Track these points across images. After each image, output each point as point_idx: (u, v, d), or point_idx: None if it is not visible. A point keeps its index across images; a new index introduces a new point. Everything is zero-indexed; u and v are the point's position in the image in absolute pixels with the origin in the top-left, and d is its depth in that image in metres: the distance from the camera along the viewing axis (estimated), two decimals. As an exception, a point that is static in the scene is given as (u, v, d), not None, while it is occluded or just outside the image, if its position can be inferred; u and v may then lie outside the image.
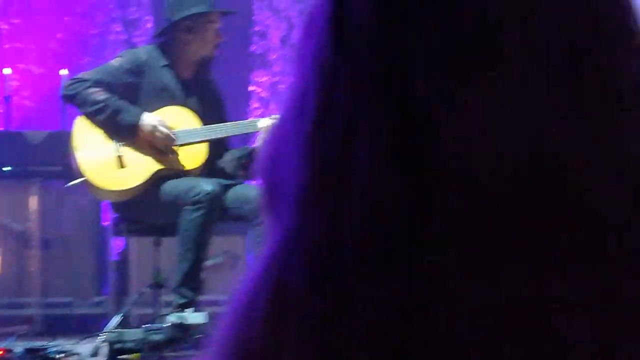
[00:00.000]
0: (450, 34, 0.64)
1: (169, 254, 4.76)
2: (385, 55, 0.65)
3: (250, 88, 7.20)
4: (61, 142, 4.92)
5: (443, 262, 0.61)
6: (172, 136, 4.68)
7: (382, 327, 0.61)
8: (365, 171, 0.63)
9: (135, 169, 4.69)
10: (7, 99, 6.26)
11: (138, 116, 4.64)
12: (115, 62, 4.82)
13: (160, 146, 4.68)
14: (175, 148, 4.71)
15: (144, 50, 4.94)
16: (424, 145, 0.63)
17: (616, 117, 0.65)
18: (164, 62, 4.78)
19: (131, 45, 6.65)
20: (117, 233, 5.23)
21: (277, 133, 0.70)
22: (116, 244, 5.83)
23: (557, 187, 0.62)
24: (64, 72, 6.07)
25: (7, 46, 6.88)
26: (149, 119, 4.65)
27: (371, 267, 0.62)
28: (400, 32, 0.64)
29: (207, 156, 4.73)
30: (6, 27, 6.91)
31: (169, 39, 4.80)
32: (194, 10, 4.67)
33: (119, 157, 4.69)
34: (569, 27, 0.65)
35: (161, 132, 4.65)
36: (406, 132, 0.63)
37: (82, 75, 4.78)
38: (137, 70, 4.74)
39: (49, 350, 4.38)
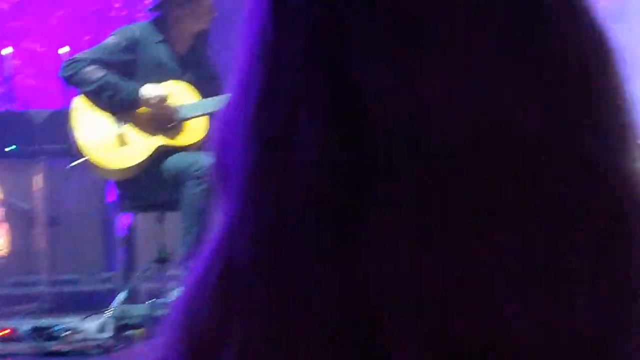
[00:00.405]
0: (391, 5, 0.64)
1: (175, 229, 4.78)
2: (324, 31, 0.65)
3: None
4: (64, 121, 4.94)
5: (386, 235, 0.62)
6: (178, 109, 4.69)
7: (325, 303, 0.62)
8: (308, 147, 0.64)
9: (137, 146, 4.69)
10: (7, 79, 6.26)
11: (136, 91, 4.63)
12: (110, 40, 4.81)
13: (164, 120, 4.69)
14: (178, 122, 4.72)
15: (138, 27, 4.93)
16: (368, 116, 0.63)
17: (562, 86, 0.65)
18: (158, 37, 4.77)
19: (132, 21, 6.65)
20: (123, 209, 5.24)
21: (226, 115, 0.70)
22: (123, 220, 5.86)
23: (506, 156, 0.63)
24: (64, 49, 6.07)
25: (8, 25, 6.88)
26: (154, 89, 4.65)
27: (315, 244, 0.63)
28: (338, 9, 0.65)
29: (206, 130, 4.74)
30: (7, 6, 6.91)
31: (163, 14, 4.79)
32: None
33: (120, 135, 4.70)
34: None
35: (167, 105, 4.66)
36: (349, 105, 0.64)
37: (78, 55, 4.78)
38: (132, 47, 4.74)
39: (55, 328, 4.40)
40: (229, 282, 0.65)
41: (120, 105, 4.65)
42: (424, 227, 0.62)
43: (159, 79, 4.75)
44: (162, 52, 4.79)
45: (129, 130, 4.71)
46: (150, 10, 4.99)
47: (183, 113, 4.71)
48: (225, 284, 0.65)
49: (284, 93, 0.66)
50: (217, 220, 0.69)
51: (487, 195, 0.63)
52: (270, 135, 0.66)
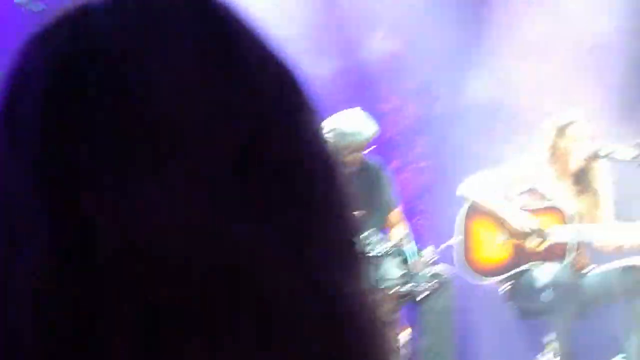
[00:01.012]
0: (114, 135, 0.64)
1: None
2: (50, 156, 0.65)
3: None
4: None
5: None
6: None
7: None
8: (28, 276, 0.63)
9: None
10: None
11: None
12: None
13: None
14: None
15: None
16: (88, 246, 0.63)
17: (282, 197, 0.66)
18: None
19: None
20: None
21: None
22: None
23: (224, 274, 0.63)
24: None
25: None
26: None
27: None
28: (63, 135, 0.65)
29: None
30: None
31: None
32: None
33: None
34: (236, 122, 0.66)
35: None
36: (71, 234, 0.63)
37: None
38: None
39: None
40: None
41: None
42: (147, 348, 0.62)
43: None
44: None
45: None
46: None
47: None
48: None
49: (7, 215, 0.65)
50: None
51: (203, 312, 0.63)
52: None
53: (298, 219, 0.66)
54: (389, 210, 5.41)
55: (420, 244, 7.22)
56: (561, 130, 5.44)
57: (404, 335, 5.80)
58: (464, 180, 5.51)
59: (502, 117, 7.79)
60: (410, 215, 7.84)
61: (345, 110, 5.13)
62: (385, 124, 8.34)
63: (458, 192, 5.49)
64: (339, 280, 0.66)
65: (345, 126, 5.08)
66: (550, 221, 5.35)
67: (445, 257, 6.01)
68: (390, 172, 5.56)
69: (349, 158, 5.09)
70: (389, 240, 5.23)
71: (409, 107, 8.33)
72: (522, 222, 5.29)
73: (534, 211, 5.40)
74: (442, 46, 7.85)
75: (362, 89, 7.92)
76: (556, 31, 7.62)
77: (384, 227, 5.39)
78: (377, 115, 8.20)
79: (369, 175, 5.32)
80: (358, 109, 5.16)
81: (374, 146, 6.05)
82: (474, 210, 5.46)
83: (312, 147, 0.69)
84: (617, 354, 4.94)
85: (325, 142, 0.70)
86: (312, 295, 0.64)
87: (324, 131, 0.70)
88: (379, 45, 8.31)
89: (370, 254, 4.74)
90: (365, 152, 5.49)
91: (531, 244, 5.31)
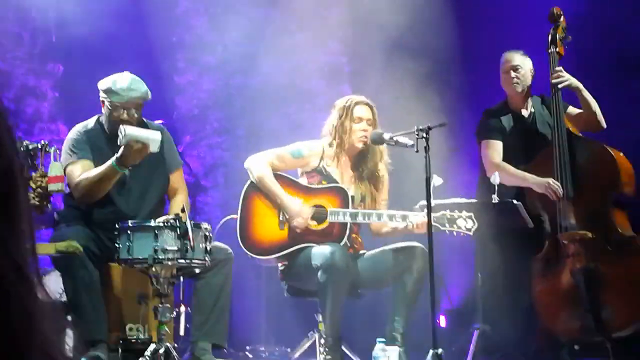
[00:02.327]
0: None
1: None
2: None
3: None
4: None
5: None
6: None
7: None
8: None
9: None
10: None
11: None
12: None
13: None
14: None
15: None
16: None
17: None
18: None
19: None
20: None
21: None
22: None
23: None
24: None
25: None
26: None
27: None
28: None
29: None
30: None
31: None
32: None
33: None
34: None
35: None
36: None
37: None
38: None
39: None
40: None
41: None
42: None
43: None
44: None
45: None
46: None
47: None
48: None
49: None
50: None
51: None
52: None
53: None
54: (174, 169, 5.36)
55: (206, 218, 7.23)
56: (346, 112, 5.53)
57: (181, 311, 5.76)
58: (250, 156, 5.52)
59: (295, 97, 7.87)
60: (200, 189, 7.82)
61: (115, 74, 5.15)
62: (180, 99, 8.30)
63: (245, 165, 5.50)
64: None
65: (115, 86, 5.13)
66: (330, 201, 5.42)
67: (225, 232, 6.01)
68: (173, 139, 5.51)
69: (125, 116, 5.12)
70: (170, 212, 5.19)
71: (204, 82, 8.29)
72: (296, 208, 5.35)
73: (316, 191, 5.46)
74: (239, 24, 7.85)
75: (157, 62, 7.82)
76: (353, 19, 7.74)
77: (166, 190, 5.34)
78: (172, 90, 8.16)
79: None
80: (126, 72, 5.17)
81: (162, 120, 5.99)
82: (255, 188, 5.47)
83: None
84: (382, 336, 5.05)
85: None
86: None
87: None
88: (181, 18, 8.22)
89: (150, 224, 4.69)
90: (155, 122, 5.47)
91: (308, 224, 5.37)
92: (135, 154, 4.84)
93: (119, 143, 4.84)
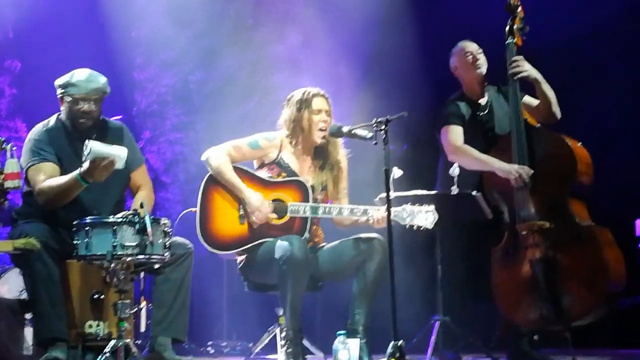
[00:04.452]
0: None
1: None
2: None
3: None
4: None
5: None
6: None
7: None
8: None
9: None
10: None
11: None
12: None
13: None
14: None
15: None
16: None
17: None
18: None
19: None
20: None
21: None
22: None
23: None
24: None
25: None
26: None
27: None
28: None
29: None
30: None
31: None
32: None
33: None
34: None
35: None
36: None
37: None
38: None
39: None
40: None
41: None
42: None
43: None
44: None
45: None
46: None
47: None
48: None
49: None
50: None
51: None
52: None
53: None
54: (137, 166, 5.35)
55: (166, 214, 7.20)
56: (305, 104, 5.53)
57: (141, 306, 5.74)
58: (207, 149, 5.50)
59: (254, 92, 7.85)
60: (160, 185, 7.79)
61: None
62: (139, 95, 8.26)
63: (202, 158, 5.47)
64: None
65: (73, 79, 5.16)
66: (291, 195, 5.42)
67: (184, 227, 5.99)
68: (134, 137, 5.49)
69: (85, 107, 5.14)
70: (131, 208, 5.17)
71: (162, 78, 8.25)
72: (256, 202, 5.34)
73: (276, 185, 5.45)
74: (198, 19, 7.82)
75: (115, 58, 7.78)
76: (312, 13, 7.74)
77: (127, 186, 5.33)
78: (131, 85, 8.12)
79: (110, 134, 5.25)
80: (86, 68, 5.17)
81: (121, 116, 5.97)
82: (214, 181, 5.45)
83: None
84: (343, 329, 5.05)
85: None
86: None
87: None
88: (139, 14, 8.18)
89: (108, 220, 4.66)
90: (114, 118, 5.46)
91: (268, 219, 5.36)
92: (102, 171, 4.82)
93: (83, 159, 4.82)
